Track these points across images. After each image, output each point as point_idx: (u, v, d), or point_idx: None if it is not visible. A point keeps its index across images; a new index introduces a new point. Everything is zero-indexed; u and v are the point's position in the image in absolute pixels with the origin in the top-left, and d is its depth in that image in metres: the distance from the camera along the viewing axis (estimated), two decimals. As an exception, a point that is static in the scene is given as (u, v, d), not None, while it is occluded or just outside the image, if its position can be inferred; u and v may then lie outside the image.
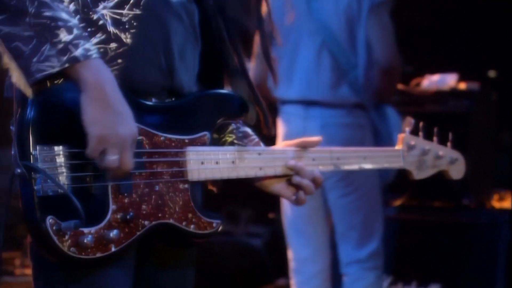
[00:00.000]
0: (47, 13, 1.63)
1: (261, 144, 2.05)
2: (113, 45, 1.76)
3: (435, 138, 2.28)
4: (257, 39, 2.04)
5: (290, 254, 3.93)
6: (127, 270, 1.80)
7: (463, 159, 2.32)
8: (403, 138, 2.21)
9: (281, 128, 3.84)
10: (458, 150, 2.35)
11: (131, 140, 1.68)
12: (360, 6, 3.72)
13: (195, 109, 1.87)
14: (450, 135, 2.30)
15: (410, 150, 2.22)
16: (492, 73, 5.29)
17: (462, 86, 4.79)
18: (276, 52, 3.77)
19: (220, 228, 1.89)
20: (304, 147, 2.02)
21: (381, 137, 3.77)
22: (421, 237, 4.52)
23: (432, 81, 4.91)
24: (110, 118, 1.65)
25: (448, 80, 4.85)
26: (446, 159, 2.29)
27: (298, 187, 1.98)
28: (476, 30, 5.11)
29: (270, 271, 5.04)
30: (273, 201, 4.06)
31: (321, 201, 3.85)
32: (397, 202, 4.68)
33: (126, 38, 1.77)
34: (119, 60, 1.74)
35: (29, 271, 1.83)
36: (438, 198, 4.71)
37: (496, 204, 4.82)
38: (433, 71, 4.99)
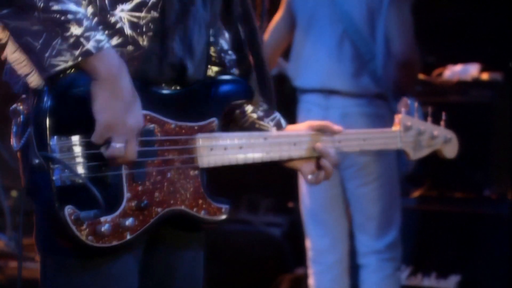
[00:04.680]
0: (56, 7, 1.63)
1: (282, 121, 2.10)
2: (129, 48, 1.76)
3: (429, 118, 2.31)
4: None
5: (308, 243, 3.92)
6: (137, 255, 1.82)
7: (456, 138, 2.36)
8: (400, 119, 2.23)
9: (301, 117, 3.83)
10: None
11: (137, 130, 1.69)
12: (382, -3, 3.71)
13: (203, 95, 1.89)
14: (444, 115, 2.33)
15: (406, 131, 2.24)
16: (515, 64, 5.24)
17: (485, 76, 4.76)
18: (297, 40, 3.82)
19: (228, 214, 1.90)
20: (324, 131, 2.06)
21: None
22: (441, 228, 4.50)
23: (454, 72, 4.88)
24: (119, 107, 1.65)
25: (470, 70, 4.81)
26: (441, 139, 2.32)
27: (320, 168, 2.04)
28: (498, 20, 5.06)
29: (289, 261, 5.04)
30: (292, 190, 4.06)
31: (339, 191, 3.83)
32: (416, 193, 4.67)
33: (143, 41, 1.77)
34: (135, 63, 1.74)
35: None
36: (459, 189, 4.69)
37: (517, 195, 4.79)
38: (455, 61, 4.95)
